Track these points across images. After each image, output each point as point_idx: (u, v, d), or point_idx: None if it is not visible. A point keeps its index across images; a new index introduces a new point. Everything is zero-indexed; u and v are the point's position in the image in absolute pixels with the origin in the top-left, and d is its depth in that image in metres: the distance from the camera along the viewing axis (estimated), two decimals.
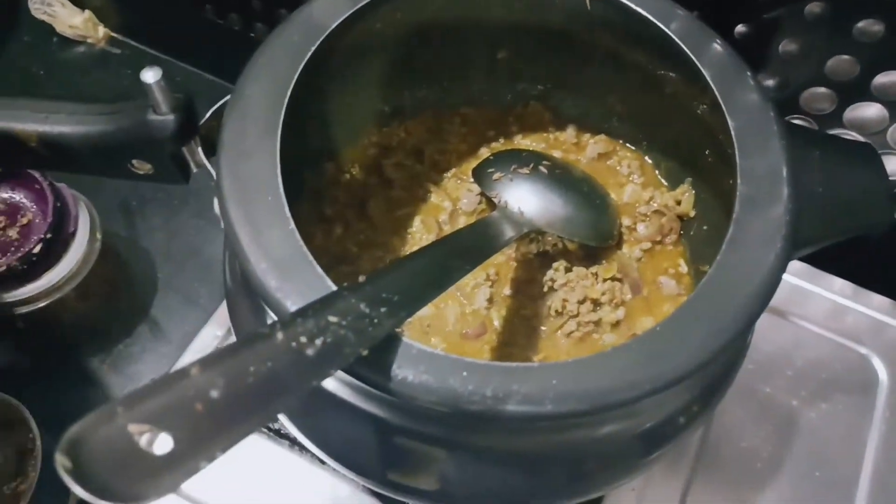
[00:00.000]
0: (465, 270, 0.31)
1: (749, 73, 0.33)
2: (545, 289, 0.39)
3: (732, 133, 0.31)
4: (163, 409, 0.18)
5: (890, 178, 0.33)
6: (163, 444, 0.17)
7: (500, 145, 0.44)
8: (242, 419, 0.19)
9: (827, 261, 0.53)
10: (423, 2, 0.37)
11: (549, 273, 0.39)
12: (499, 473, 0.31)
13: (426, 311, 0.37)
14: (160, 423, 0.17)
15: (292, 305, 0.26)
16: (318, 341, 0.22)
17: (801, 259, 0.52)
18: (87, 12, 0.67)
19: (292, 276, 0.26)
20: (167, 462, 0.17)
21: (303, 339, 0.21)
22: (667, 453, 0.33)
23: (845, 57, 0.45)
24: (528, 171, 0.39)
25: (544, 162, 0.40)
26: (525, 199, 0.38)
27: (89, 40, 0.67)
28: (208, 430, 0.18)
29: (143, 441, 0.17)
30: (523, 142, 0.44)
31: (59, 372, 0.51)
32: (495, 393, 0.25)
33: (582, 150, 0.44)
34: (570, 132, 0.44)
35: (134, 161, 0.31)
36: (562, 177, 0.40)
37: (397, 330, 0.25)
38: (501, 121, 0.44)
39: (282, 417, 0.34)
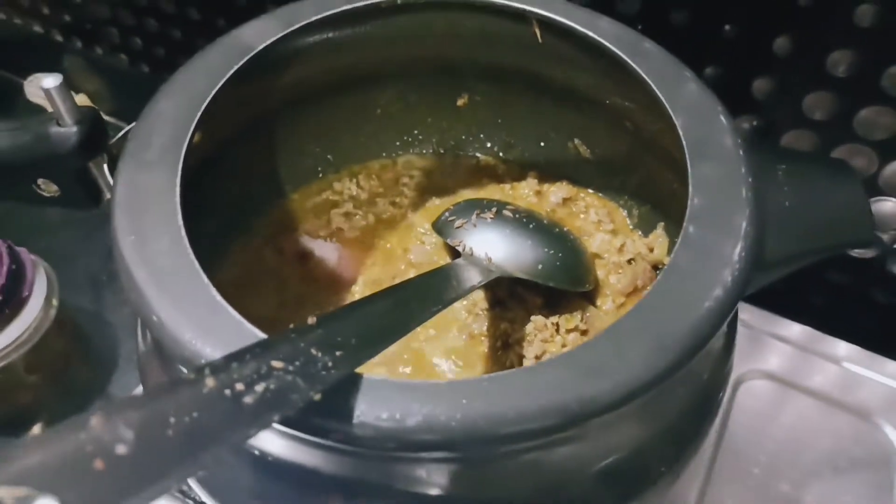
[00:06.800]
0: (429, 313, 0.27)
1: (722, 116, 0.30)
2: (498, 343, 0.35)
3: (689, 181, 0.27)
4: (48, 468, 0.14)
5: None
6: None
7: (452, 198, 0.41)
8: (154, 479, 0.15)
9: (832, 324, 0.48)
10: (371, 39, 0.36)
11: (503, 326, 0.35)
12: None
13: None
14: (43, 485, 0.14)
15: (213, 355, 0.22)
16: (259, 387, 0.18)
17: (804, 322, 0.47)
18: None
19: (211, 326, 0.23)
20: None
21: (239, 387, 0.18)
22: None
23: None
24: (492, 216, 0.37)
25: (508, 206, 0.38)
26: (492, 243, 0.36)
27: None
28: (108, 492, 0.15)
29: None
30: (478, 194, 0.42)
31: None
32: (392, 414, 0.21)
33: (544, 199, 0.41)
34: (531, 181, 0.42)
35: (39, 181, 0.29)
36: (528, 220, 0.37)
37: None
38: (453, 172, 0.42)
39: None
